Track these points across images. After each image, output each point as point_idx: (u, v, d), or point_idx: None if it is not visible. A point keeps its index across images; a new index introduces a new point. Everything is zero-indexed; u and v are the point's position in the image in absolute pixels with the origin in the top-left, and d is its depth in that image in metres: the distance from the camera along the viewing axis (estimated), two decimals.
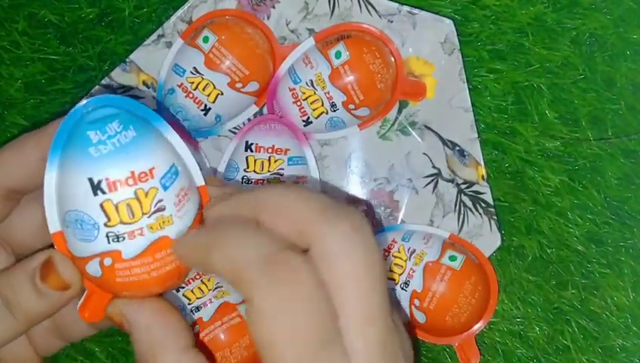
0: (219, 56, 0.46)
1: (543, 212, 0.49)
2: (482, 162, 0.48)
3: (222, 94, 0.47)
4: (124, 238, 0.28)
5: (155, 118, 0.30)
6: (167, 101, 0.48)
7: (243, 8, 0.48)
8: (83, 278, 0.30)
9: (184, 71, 0.47)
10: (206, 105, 0.47)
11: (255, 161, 0.47)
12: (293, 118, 0.48)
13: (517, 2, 0.48)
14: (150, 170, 0.28)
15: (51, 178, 0.29)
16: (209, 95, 0.47)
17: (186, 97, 0.47)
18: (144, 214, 0.28)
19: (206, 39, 0.47)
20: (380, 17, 0.47)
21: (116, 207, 0.28)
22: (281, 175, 0.47)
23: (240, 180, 0.47)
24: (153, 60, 0.48)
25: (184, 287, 0.47)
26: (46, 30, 0.50)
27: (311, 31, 0.49)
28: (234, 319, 0.46)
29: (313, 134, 0.49)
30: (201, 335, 0.45)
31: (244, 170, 0.47)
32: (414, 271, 0.46)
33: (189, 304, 0.46)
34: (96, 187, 0.28)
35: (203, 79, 0.47)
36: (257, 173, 0.47)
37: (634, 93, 0.48)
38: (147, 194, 0.28)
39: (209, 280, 0.47)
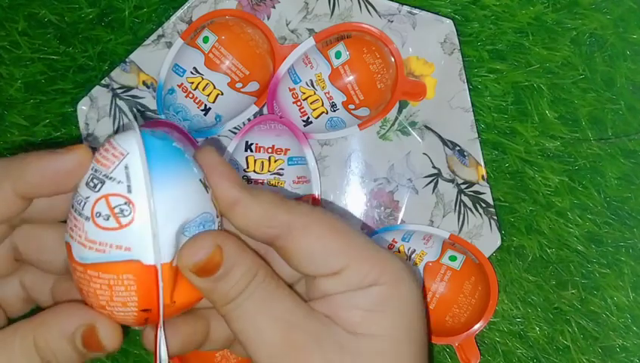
0: (219, 56, 0.46)
1: (543, 212, 0.49)
2: (482, 162, 0.48)
3: (222, 94, 0.47)
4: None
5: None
6: (167, 101, 0.48)
7: (243, 8, 0.48)
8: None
9: (184, 71, 0.47)
10: (206, 105, 0.47)
11: (255, 161, 0.47)
12: (293, 118, 0.48)
13: (517, 2, 0.48)
14: None
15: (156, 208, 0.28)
16: (209, 95, 0.47)
17: (186, 97, 0.47)
18: None
19: (206, 39, 0.47)
20: (380, 17, 0.47)
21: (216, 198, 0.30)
22: (281, 174, 0.47)
23: None
24: (153, 60, 0.48)
25: None
26: (46, 30, 0.50)
27: (311, 31, 0.49)
28: None
29: (313, 134, 0.49)
30: None
31: (244, 170, 0.47)
32: None
33: None
34: (205, 186, 0.29)
35: (203, 79, 0.47)
36: (257, 173, 0.47)
37: (634, 93, 0.48)
38: None
39: None
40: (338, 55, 0.47)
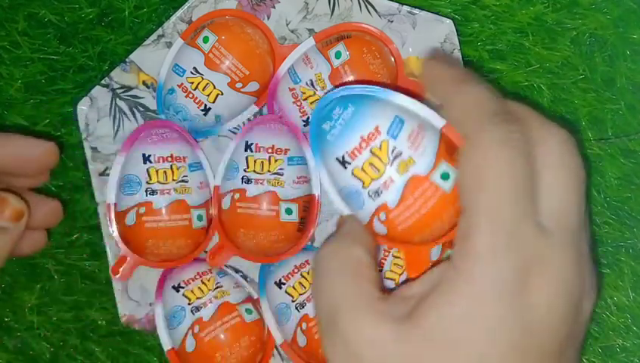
0: (219, 56, 0.47)
1: None
2: None
3: (222, 94, 0.47)
4: (382, 192, 0.33)
5: (373, 89, 0.35)
6: (167, 101, 0.48)
7: (243, 8, 0.48)
8: None
9: (184, 71, 0.47)
10: (206, 105, 0.47)
11: (255, 161, 0.47)
12: (293, 118, 0.48)
13: (517, 2, 0.48)
14: (376, 128, 0.33)
15: (324, 177, 0.36)
16: (209, 95, 0.47)
17: (186, 97, 0.47)
18: (385, 165, 0.33)
19: (206, 39, 0.47)
20: (380, 17, 0.47)
21: (363, 170, 0.34)
22: (281, 174, 0.47)
23: (240, 180, 0.47)
24: (153, 60, 0.48)
25: (183, 287, 0.47)
26: (46, 30, 0.50)
27: (311, 31, 0.49)
28: (234, 319, 0.46)
29: None
30: (201, 335, 0.45)
31: (244, 170, 0.47)
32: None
33: (189, 304, 0.46)
34: (343, 162, 0.34)
35: (203, 79, 0.47)
36: (257, 173, 0.47)
37: (634, 93, 0.48)
38: (380, 148, 0.33)
39: (209, 280, 0.47)
40: (338, 55, 0.47)
